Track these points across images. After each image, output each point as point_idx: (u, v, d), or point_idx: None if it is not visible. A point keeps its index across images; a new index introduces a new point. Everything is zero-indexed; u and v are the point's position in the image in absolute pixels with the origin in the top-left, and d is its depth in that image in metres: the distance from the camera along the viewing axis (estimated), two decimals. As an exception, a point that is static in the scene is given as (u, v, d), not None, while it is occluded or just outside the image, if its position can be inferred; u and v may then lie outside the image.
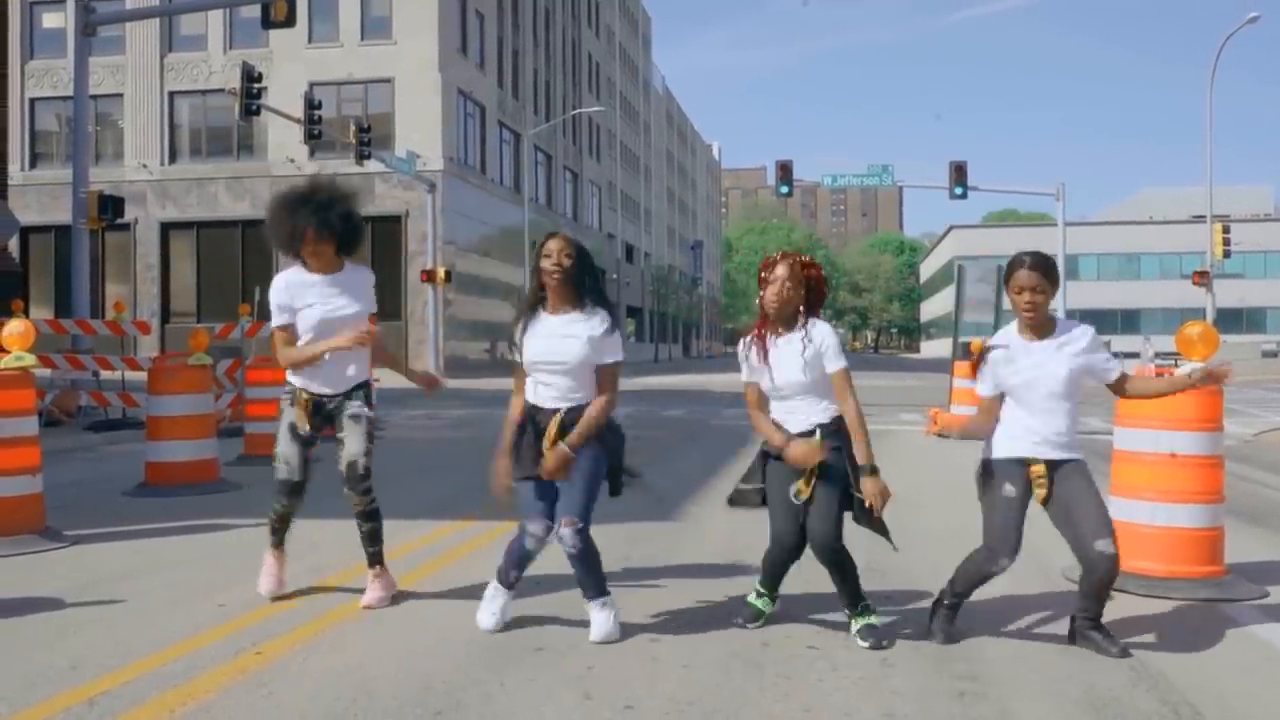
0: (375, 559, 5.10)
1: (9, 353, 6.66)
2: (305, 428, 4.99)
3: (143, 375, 14.93)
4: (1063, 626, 4.61)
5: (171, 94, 39.49)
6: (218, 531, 7.09)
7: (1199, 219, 46.00)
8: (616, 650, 4.33)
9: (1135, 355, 6.66)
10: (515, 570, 4.62)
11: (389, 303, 34.76)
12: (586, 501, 4.47)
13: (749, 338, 4.62)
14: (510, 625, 4.63)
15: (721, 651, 4.32)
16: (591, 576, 4.53)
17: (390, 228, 37.04)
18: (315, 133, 28.36)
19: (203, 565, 6.03)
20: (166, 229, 39.16)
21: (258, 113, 26.29)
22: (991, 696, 3.83)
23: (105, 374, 15.32)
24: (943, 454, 12.32)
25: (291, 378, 5.06)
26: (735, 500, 4.76)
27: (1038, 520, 4.57)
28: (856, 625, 4.47)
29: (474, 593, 5.03)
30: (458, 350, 39.05)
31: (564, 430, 4.46)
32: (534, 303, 4.63)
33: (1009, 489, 4.40)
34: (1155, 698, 3.83)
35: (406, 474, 9.80)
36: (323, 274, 5.01)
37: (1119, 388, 4.55)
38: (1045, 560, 6.11)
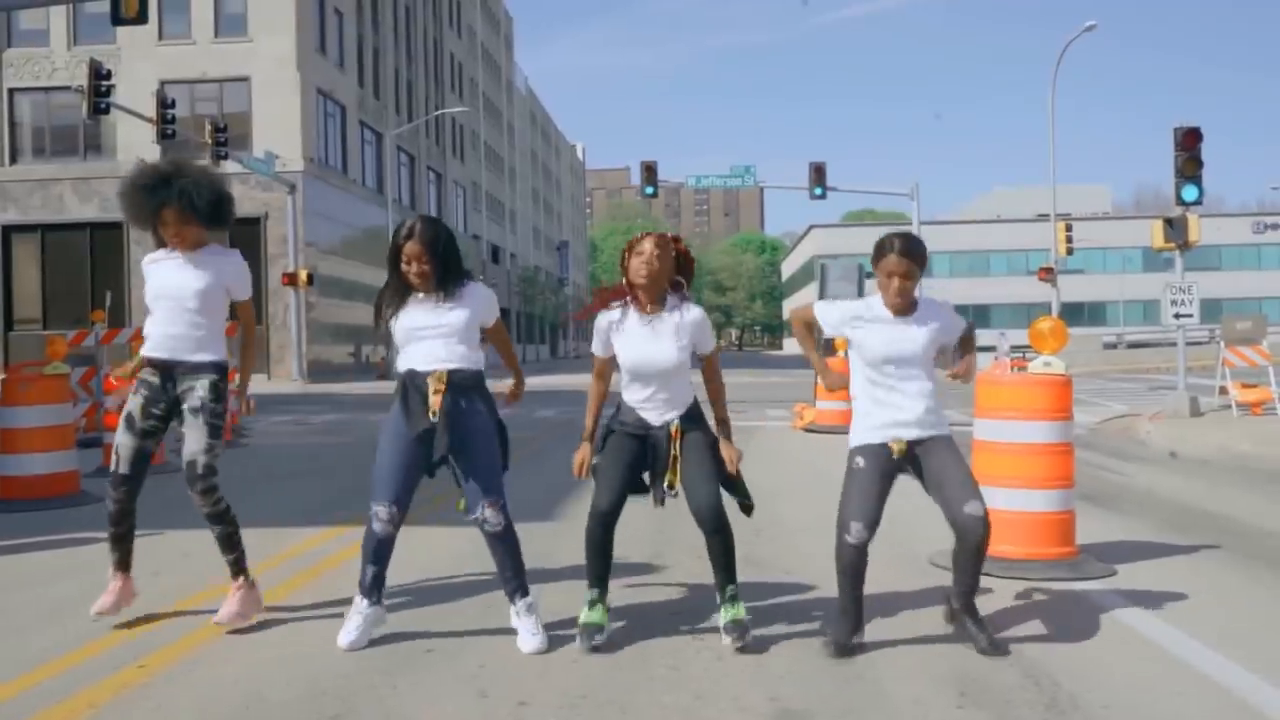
0: (236, 569, 4.84)
1: None
2: (138, 411, 4.71)
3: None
4: (933, 612, 4.84)
5: (11, 91, 37.73)
6: (85, 545, 6.86)
7: (1044, 218, 48.05)
8: (506, 649, 4.39)
9: (992, 349, 6.99)
10: (374, 565, 4.51)
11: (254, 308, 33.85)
12: (499, 477, 4.49)
13: (609, 310, 4.58)
14: (396, 631, 4.63)
15: (610, 646, 4.42)
16: (514, 561, 4.54)
17: (249, 230, 36.03)
18: (169, 132, 27.53)
19: (73, 579, 5.85)
20: (8, 232, 37.39)
21: (107, 111, 25.37)
22: (868, 677, 4.03)
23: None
24: (810, 448, 12.67)
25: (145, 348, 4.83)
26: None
27: (904, 512, 4.79)
28: (725, 616, 4.46)
29: (340, 609, 5.02)
30: (321, 354, 38.29)
31: (454, 388, 4.46)
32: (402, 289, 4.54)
33: (859, 461, 4.47)
34: (1019, 672, 4.09)
35: (275, 480, 9.62)
36: (180, 251, 4.80)
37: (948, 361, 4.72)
38: (910, 549, 6.36)
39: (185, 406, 4.74)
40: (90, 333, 15.50)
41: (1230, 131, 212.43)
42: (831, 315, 4.65)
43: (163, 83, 34.91)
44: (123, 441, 4.75)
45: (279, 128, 36.68)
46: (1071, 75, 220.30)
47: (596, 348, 4.64)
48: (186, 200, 4.69)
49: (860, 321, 4.55)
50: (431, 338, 4.46)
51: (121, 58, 35.93)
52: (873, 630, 4.61)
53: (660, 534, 6.80)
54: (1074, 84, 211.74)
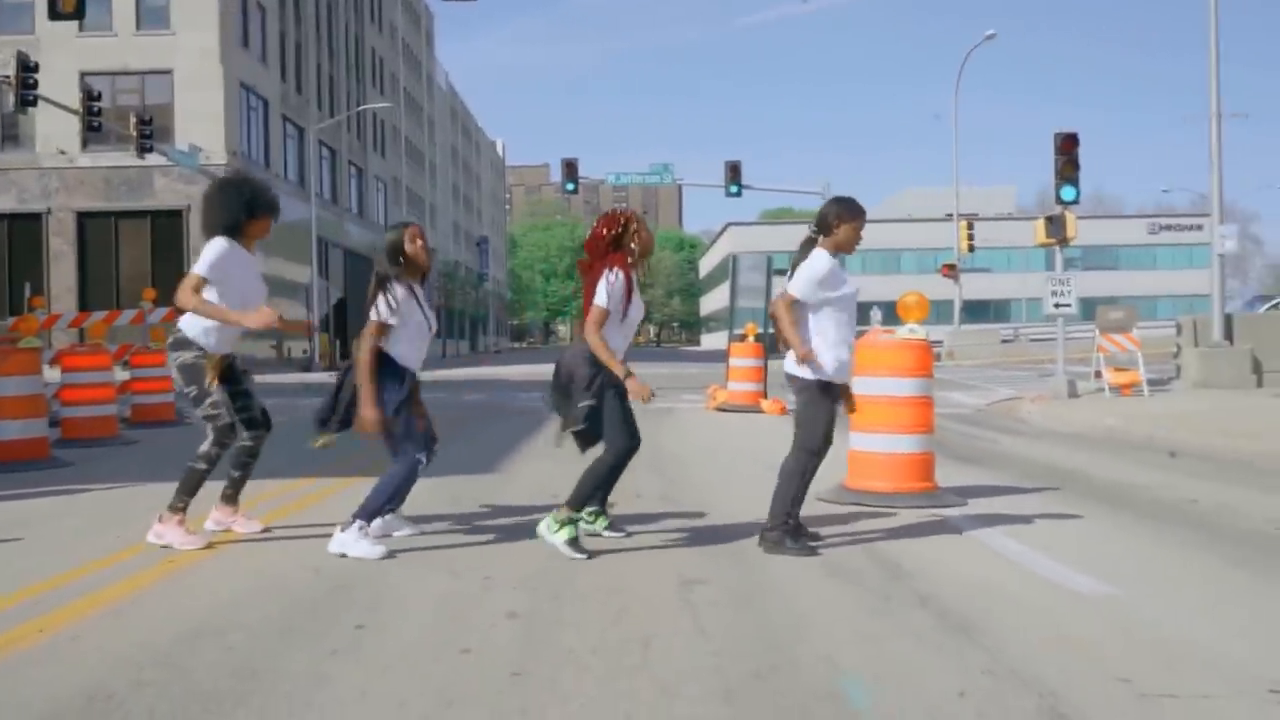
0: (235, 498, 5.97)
1: None
2: (214, 382, 5.63)
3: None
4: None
5: (-74, 80, 37.36)
6: (75, 494, 7.73)
7: (950, 217, 50.01)
8: (476, 543, 5.45)
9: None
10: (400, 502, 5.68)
11: (170, 299, 34.04)
12: None
13: (621, 271, 5.47)
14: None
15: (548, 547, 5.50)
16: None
17: (171, 223, 36.32)
18: (95, 124, 27.83)
19: (79, 515, 6.76)
20: (-77, 223, 37.07)
21: (34, 103, 25.60)
22: (755, 563, 5.17)
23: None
24: (719, 424, 13.85)
25: (201, 339, 5.66)
26: (570, 427, 5.44)
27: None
28: (600, 524, 5.77)
29: (326, 530, 5.95)
30: (244, 349, 38.58)
31: None
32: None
33: (836, 405, 5.60)
34: (870, 558, 5.26)
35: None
36: (247, 250, 5.89)
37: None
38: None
39: (241, 370, 5.87)
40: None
41: (1134, 136, 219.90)
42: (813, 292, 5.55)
43: (83, 75, 35.00)
44: (223, 398, 5.66)
45: (202, 121, 36.89)
46: (980, 79, 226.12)
47: (609, 301, 5.38)
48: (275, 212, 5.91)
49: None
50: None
51: (41, 48, 35.71)
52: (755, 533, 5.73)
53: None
54: (983, 86, 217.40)
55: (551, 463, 8.79)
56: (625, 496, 7.29)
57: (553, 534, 5.34)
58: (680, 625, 4.06)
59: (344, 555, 5.23)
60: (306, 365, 40.11)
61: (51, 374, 11.65)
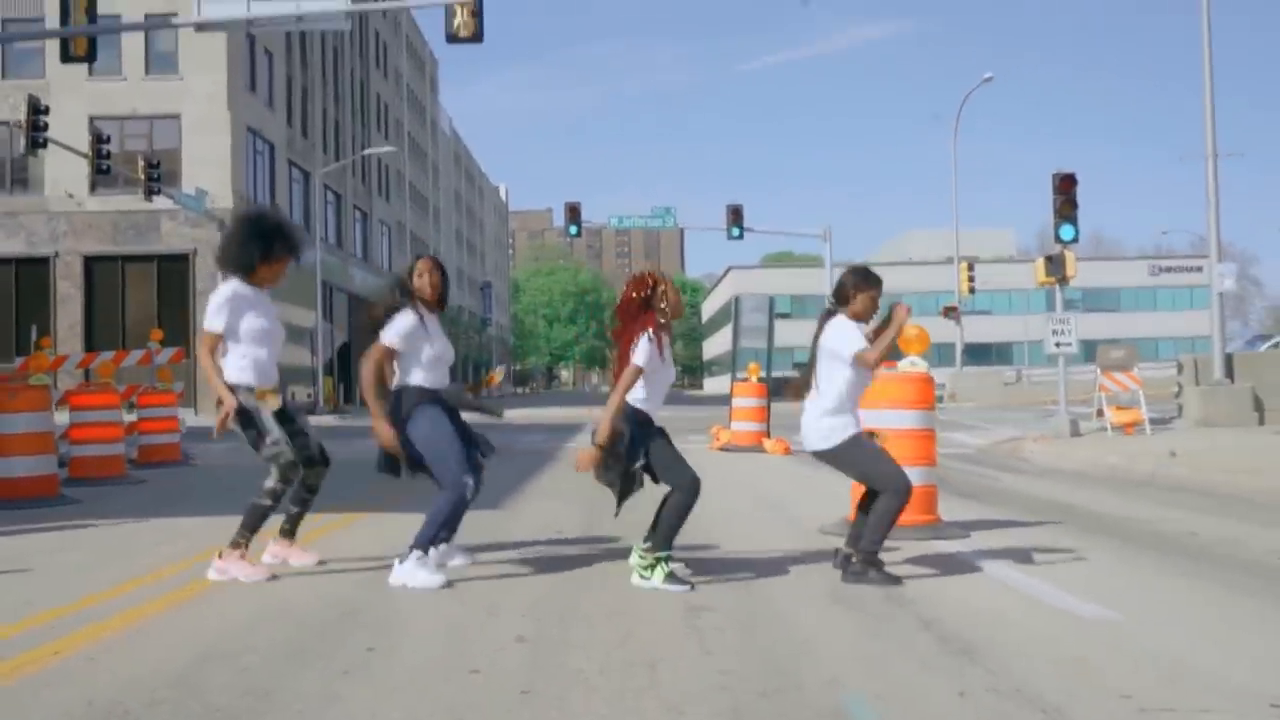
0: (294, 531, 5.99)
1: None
2: (279, 404, 5.67)
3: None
4: (817, 568, 5.92)
5: (-63, 125, 37.76)
6: (82, 530, 7.78)
7: (951, 260, 50.29)
8: (482, 576, 5.51)
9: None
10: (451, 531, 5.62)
11: (178, 343, 34.18)
12: None
13: (655, 331, 5.46)
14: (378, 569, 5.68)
15: (555, 575, 5.59)
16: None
17: (178, 267, 36.54)
18: (104, 168, 28.07)
19: (86, 549, 6.80)
20: (-68, 266, 37.30)
21: (44, 145, 25.80)
22: (759, 594, 5.21)
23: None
24: (723, 463, 13.91)
25: (249, 379, 5.70)
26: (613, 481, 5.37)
27: (794, 492, 5.96)
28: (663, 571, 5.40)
29: (339, 564, 6.03)
30: (248, 389, 38.62)
31: None
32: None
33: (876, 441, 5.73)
34: (872, 586, 5.28)
35: (226, 490, 10.51)
36: (265, 290, 5.94)
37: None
38: (794, 519, 7.55)
39: (294, 407, 5.85)
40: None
41: (1133, 179, 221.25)
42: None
43: (92, 118, 35.39)
44: (283, 435, 5.68)
45: (209, 164, 37.21)
46: (978, 121, 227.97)
47: (643, 361, 5.37)
48: (296, 254, 5.98)
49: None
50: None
51: (51, 92, 36.15)
52: (766, 565, 5.78)
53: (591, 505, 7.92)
54: (981, 129, 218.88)
55: (558, 501, 8.85)
56: (634, 530, 7.34)
57: (649, 579, 5.30)
58: (686, 649, 4.11)
59: (405, 586, 5.22)
60: (311, 409, 40.15)
61: (59, 418, 11.74)
